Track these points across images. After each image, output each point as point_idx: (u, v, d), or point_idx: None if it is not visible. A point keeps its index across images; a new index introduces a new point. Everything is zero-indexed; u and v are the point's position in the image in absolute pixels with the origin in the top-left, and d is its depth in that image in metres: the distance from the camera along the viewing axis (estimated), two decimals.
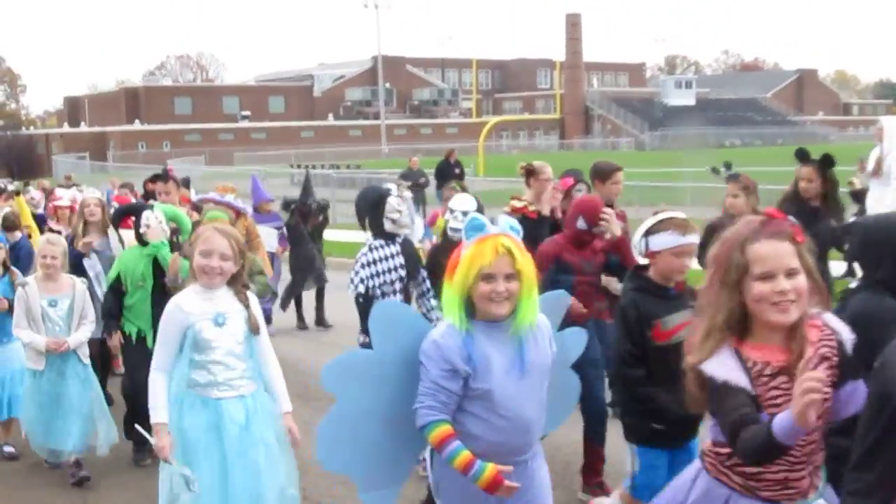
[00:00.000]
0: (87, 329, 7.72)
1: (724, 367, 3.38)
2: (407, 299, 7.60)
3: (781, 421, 3.11)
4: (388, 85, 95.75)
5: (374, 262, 7.40)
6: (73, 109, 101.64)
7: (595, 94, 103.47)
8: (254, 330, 5.29)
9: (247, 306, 5.30)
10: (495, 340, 4.03)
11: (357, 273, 7.36)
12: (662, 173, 30.33)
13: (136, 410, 7.47)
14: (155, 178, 10.78)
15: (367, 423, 4.22)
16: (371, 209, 7.50)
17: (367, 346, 5.26)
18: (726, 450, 3.51)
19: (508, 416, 4.03)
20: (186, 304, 5.18)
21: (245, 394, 5.28)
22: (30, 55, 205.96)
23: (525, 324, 4.04)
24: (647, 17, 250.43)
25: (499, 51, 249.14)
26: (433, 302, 7.58)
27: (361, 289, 7.32)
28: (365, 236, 7.73)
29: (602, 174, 8.35)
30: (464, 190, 11.78)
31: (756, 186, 7.93)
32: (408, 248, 7.65)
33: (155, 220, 7.90)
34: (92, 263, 9.20)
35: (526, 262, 4.01)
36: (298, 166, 49.81)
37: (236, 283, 5.28)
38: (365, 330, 7.13)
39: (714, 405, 3.47)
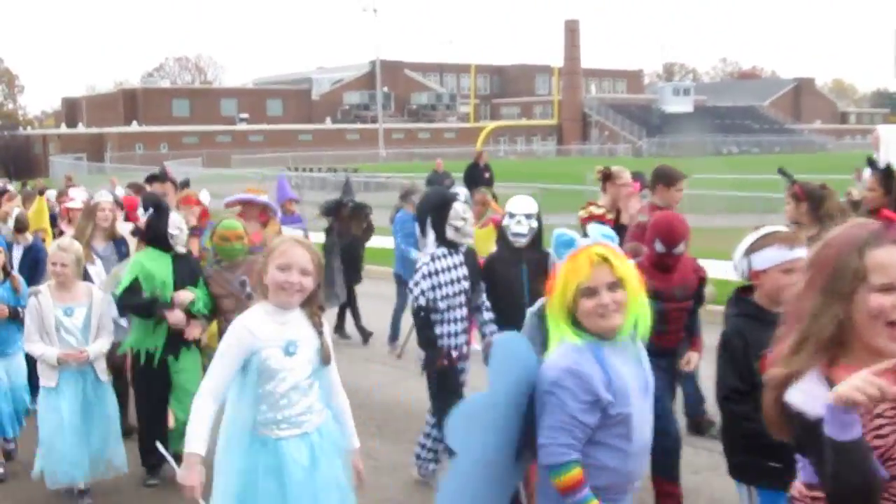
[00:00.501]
0: (106, 340, 7.16)
1: (814, 400, 2.75)
2: (470, 314, 7.15)
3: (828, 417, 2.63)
4: (386, 89, 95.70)
5: (437, 272, 6.84)
6: (71, 110, 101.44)
7: (593, 101, 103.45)
8: (325, 360, 4.69)
9: (320, 333, 4.69)
10: (621, 357, 3.70)
11: (417, 284, 6.83)
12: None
13: (148, 439, 7.07)
14: (152, 179, 10.20)
15: (486, 476, 3.79)
16: (434, 214, 6.94)
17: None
18: (822, 493, 2.90)
19: (639, 441, 3.75)
20: (256, 327, 4.54)
21: (309, 430, 4.64)
22: (28, 55, 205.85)
23: (644, 332, 3.74)
24: (645, 24, 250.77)
25: (497, 56, 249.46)
26: (486, 315, 7.18)
27: (422, 301, 6.81)
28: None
29: (667, 179, 7.96)
30: (494, 197, 11.55)
31: (813, 194, 7.42)
32: (471, 259, 7.08)
33: (184, 226, 7.64)
34: (97, 271, 8.55)
35: (627, 268, 3.70)
36: (296, 169, 49.82)
37: (311, 303, 4.67)
38: (422, 344, 6.90)
39: (803, 442, 2.88)
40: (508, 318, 6.49)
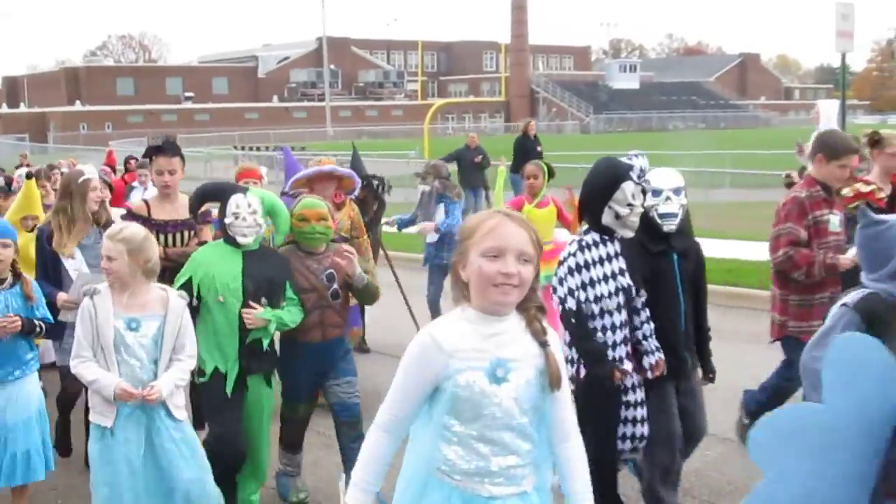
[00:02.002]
0: (184, 367, 5.15)
1: None
2: (630, 321, 5.36)
3: None
4: (333, 66, 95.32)
5: (587, 265, 5.16)
6: (12, 89, 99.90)
7: (540, 78, 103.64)
8: (552, 384, 3.26)
9: (544, 346, 3.27)
10: None
11: (563, 281, 5.18)
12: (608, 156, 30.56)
13: (225, 473, 5.60)
14: (156, 151, 7.10)
15: None
16: (599, 190, 5.22)
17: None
18: None
19: None
20: (451, 341, 3.20)
21: (528, 489, 3.31)
22: None
23: None
24: (592, 0, 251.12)
25: (444, 33, 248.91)
26: (646, 328, 5.41)
27: (571, 303, 5.13)
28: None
29: (832, 152, 6.46)
30: (550, 172, 9.50)
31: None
32: (631, 249, 5.33)
33: (248, 210, 5.70)
34: (76, 265, 6.61)
35: None
36: (242, 148, 49.49)
37: (529, 304, 3.27)
38: (585, 358, 5.18)
39: None
40: (661, 330, 5.38)
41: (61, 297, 6.29)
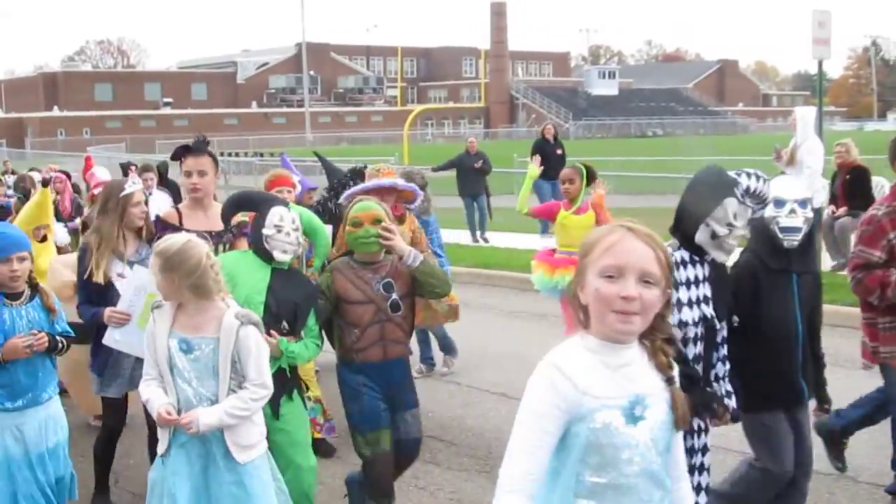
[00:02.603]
0: (246, 397, 4.37)
1: None
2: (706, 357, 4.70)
3: None
4: (312, 72, 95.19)
5: (675, 286, 4.47)
6: None
7: (520, 84, 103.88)
8: (679, 423, 2.92)
9: (670, 381, 2.92)
10: None
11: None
12: (587, 162, 30.75)
13: None
14: (184, 150, 6.23)
15: None
16: (698, 202, 4.59)
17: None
18: None
19: None
20: (581, 375, 2.77)
21: None
22: None
23: None
24: (571, 7, 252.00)
25: (424, 39, 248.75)
26: (721, 368, 4.74)
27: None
28: None
29: None
30: (590, 176, 8.74)
31: None
32: (720, 273, 4.71)
33: (291, 225, 5.23)
34: (131, 286, 5.74)
35: None
36: (221, 154, 49.32)
37: (655, 333, 2.90)
38: (688, 391, 3.94)
39: None
40: (775, 356, 4.91)
41: (107, 311, 5.63)
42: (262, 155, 47.20)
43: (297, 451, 5.21)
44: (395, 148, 42.44)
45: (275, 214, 5.16)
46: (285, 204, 5.35)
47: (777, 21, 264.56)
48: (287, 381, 5.23)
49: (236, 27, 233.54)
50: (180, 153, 6.22)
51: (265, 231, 5.14)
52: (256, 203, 5.37)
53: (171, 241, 4.39)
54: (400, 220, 6.98)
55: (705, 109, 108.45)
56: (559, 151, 18.83)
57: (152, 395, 4.41)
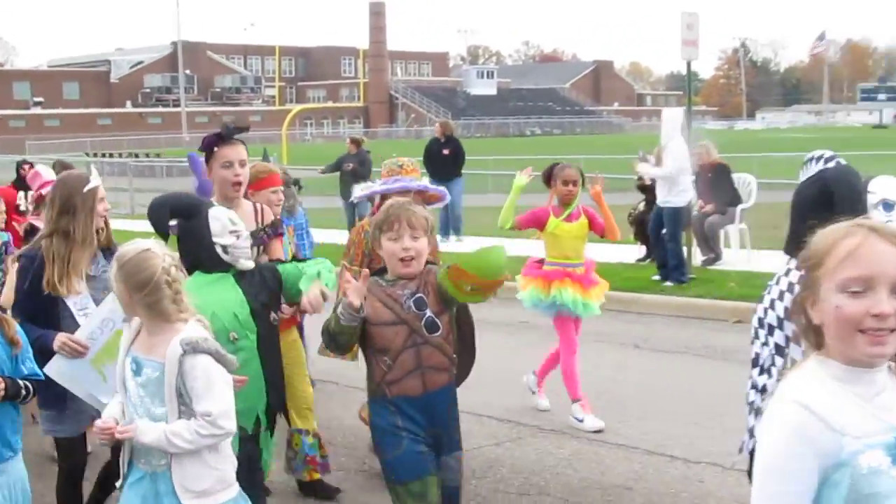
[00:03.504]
0: (194, 428, 3.60)
1: None
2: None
3: None
4: (188, 71, 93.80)
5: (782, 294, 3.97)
6: None
7: (399, 83, 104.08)
8: None
9: None
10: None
11: (768, 311, 4.02)
12: (468, 161, 31.03)
13: None
14: (217, 139, 5.38)
15: None
16: (822, 211, 3.62)
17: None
18: None
19: None
20: (833, 412, 2.24)
21: None
22: None
23: None
24: (449, 7, 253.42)
25: (302, 38, 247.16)
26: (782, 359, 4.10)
27: (779, 339, 3.96)
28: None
29: None
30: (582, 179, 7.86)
31: None
32: None
33: (242, 227, 4.51)
34: (81, 301, 4.92)
35: None
36: (95, 155, 48.31)
37: None
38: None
39: None
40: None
41: (61, 337, 4.64)
42: (136, 156, 46.35)
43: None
44: (273, 148, 42.04)
45: (220, 219, 4.36)
46: (214, 205, 4.58)
47: (650, 23, 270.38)
48: (283, 386, 4.74)
49: (110, 25, 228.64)
50: (213, 141, 5.34)
51: (220, 241, 4.34)
52: (194, 207, 4.47)
53: (130, 246, 3.76)
54: None
55: (582, 109, 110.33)
56: (445, 151, 17.99)
57: (107, 411, 3.86)
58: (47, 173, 6.46)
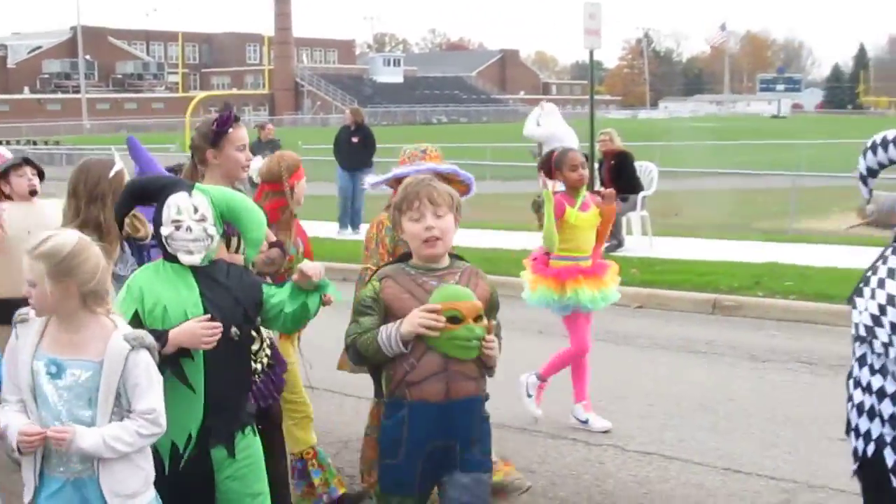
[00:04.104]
0: (133, 428, 3.40)
1: None
2: None
3: None
4: (88, 57, 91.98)
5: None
6: None
7: (305, 71, 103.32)
8: None
9: None
10: None
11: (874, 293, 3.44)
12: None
13: None
14: (227, 121, 4.96)
15: None
16: None
17: None
18: None
19: None
20: None
21: None
22: None
23: None
24: None
25: (206, 24, 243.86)
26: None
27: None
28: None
29: None
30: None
31: None
32: None
33: (193, 216, 3.87)
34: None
35: None
36: None
37: None
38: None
39: None
40: None
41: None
42: (35, 143, 45.34)
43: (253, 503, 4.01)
44: (176, 136, 41.58)
45: (170, 207, 3.84)
46: (188, 188, 3.94)
47: (556, 12, 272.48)
48: (238, 408, 4.02)
49: (6, 9, 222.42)
50: (231, 121, 4.92)
51: (162, 231, 3.84)
52: (156, 192, 3.99)
53: (59, 238, 3.42)
54: None
55: (488, 97, 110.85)
56: (355, 140, 17.69)
57: (11, 420, 3.40)
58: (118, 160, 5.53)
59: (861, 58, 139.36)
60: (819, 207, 19.54)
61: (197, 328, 3.69)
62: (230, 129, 4.89)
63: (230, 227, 4.05)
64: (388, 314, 3.82)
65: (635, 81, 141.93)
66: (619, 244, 13.56)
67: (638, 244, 13.71)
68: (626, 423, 7.00)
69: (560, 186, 6.95)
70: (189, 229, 3.81)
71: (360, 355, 3.85)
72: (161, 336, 3.62)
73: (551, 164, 6.97)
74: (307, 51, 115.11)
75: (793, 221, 17.30)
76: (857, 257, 9.24)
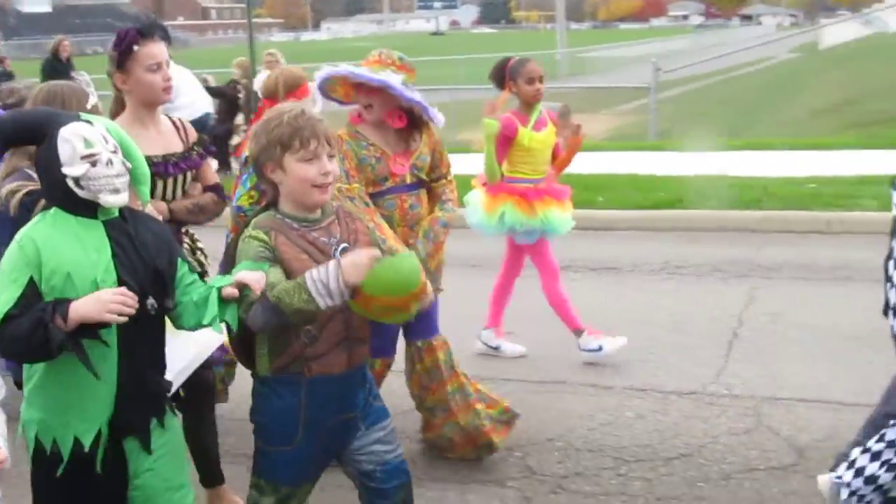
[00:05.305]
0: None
1: None
2: None
3: None
4: None
5: None
6: None
7: None
8: None
9: None
10: None
11: None
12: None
13: None
14: (139, 35, 4.40)
15: None
16: None
17: None
18: None
19: None
20: None
21: None
22: None
23: None
24: None
25: None
26: None
27: None
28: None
29: None
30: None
31: None
32: None
33: (108, 147, 3.00)
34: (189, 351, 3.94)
35: None
36: None
37: None
38: None
39: None
40: None
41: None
42: None
43: (175, 497, 3.27)
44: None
45: (70, 140, 2.93)
46: (78, 117, 3.05)
47: None
48: (155, 394, 3.26)
49: None
50: (134, 38, 4.30)
51: (70, 171, 2.92)
52: (39, 126, 3.03)
53: None
54: (408, 134, 4.70)
55: None
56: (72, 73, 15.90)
57: None
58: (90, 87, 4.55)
59: None
60: (478, 120, 20.35)
61: (106, 297, 2.86)
62: (135, 47, 4.29)
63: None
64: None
65: (296, 3, 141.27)
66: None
67: None
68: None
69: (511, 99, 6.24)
70: (110, 163, 2.96)
71: (276, 313, 3.06)
72: (61, 307, 2.84)
73: (504, 74, 6.18)
74: None
75: (456, 134, 17.98)
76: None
